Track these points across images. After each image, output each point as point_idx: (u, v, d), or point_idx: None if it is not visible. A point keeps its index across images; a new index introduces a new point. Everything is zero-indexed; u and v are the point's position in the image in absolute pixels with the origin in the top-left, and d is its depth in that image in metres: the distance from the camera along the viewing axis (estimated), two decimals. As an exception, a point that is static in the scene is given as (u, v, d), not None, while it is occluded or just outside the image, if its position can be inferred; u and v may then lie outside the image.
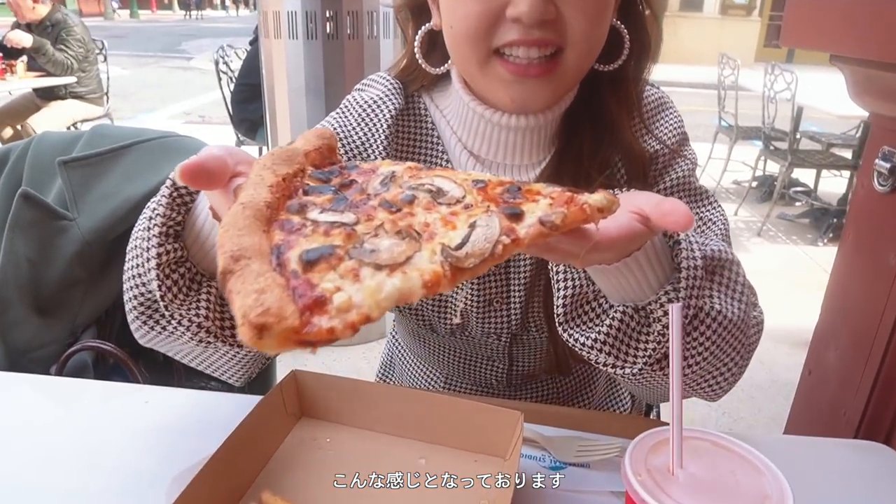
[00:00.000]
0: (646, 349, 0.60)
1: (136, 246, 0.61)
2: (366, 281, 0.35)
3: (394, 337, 1.09)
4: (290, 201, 0.42)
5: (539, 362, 0.90)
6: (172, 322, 0.60)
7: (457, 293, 0.83)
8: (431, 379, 0.98)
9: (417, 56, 0.77)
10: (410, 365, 1.01)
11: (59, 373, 0.97)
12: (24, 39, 3.98)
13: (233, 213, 0.39)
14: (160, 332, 0.63)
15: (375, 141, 0.78)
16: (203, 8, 45.21)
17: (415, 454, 0.69)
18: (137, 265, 0.60)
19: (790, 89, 4.01)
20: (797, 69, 3.95)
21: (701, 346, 0.62)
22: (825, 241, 4.11)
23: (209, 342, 0.61)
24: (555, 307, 0.64)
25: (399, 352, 1.05)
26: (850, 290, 1.06)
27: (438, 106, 0.82)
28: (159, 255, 0.57)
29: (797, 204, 4.74)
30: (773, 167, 4.75)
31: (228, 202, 0.44)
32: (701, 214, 0.79)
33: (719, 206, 0.81)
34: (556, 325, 0.65)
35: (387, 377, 1.09)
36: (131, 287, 0.62)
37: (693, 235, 0.63)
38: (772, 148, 4.50)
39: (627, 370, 0.61)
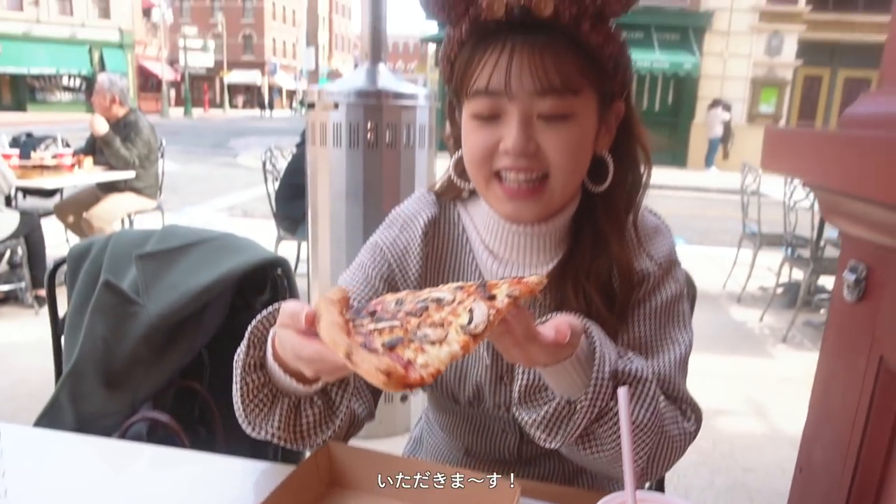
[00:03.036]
0: (567, 430, 0.77)
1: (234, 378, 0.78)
2: (430, 351, 0.55)
3: (426, 415, 1.21)
4: (352, 321, 0.61)
5: None
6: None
7: (474, 368, 0.96)
8: (454, 450, 1.08)
9: (452, 174, 0.96)
10: (436, 437, 1.12)
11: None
12: (101, 127, 4.38)
13: (330, 327, 0.58)
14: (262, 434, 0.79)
15: (413, 245, 0.96)
16: (273, 108, 48.52)
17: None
18: (234, 391, 0.77)
19: (809, 198, 4.13)
20: (815, 180, 4.08)
21: (609, 440, 0.77)
22: (852, 348, 4.07)
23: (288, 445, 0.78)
24: (514, 392, 0.80)
25: (428, 427, 1.17)
26: (830, 391, 1.15)
27: (469, 213, 0.99)
28: (244, 385, 0.74)
29: (822, 311, 4.75)
30: (799, 273, 4.80)
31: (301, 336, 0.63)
32: (672, 336, 0.93)
33: (690, 332, 0.95)
34: (512, 404, 0.81)
35: (414, 452, 1.19)
36: (235, 402, 0.78)
37: (615, 353, 0.79)
38: (795, 255, 4.59)
39: (550, 444, 0.78)
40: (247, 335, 0.76)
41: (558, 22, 0.78)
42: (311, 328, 0.61)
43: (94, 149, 4.66)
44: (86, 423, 1.13)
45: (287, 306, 0.65)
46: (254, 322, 0.77)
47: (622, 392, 0.62)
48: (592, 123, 0.85)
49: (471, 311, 0.60)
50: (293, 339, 0.63)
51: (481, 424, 1.03)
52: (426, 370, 0.53)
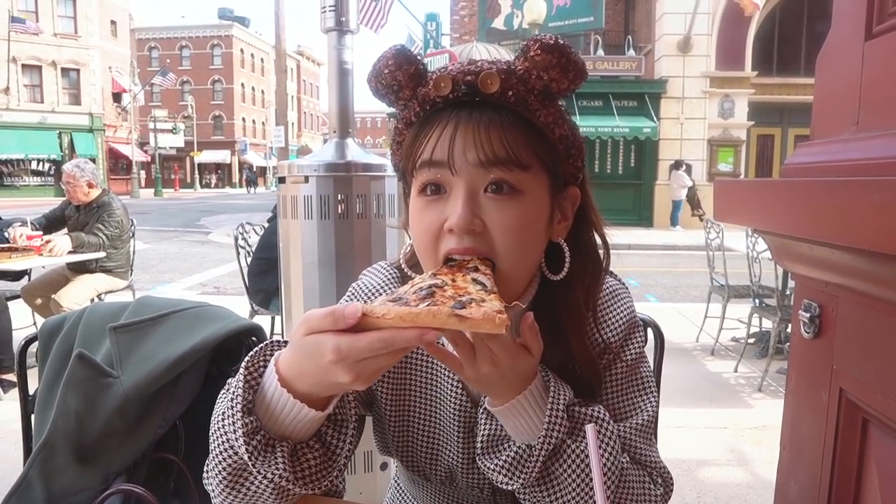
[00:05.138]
0: (527, 470, 0.78)
1: (222, 425, 0.73)
2: (487, 305, 0.60)
3: (396, 482, 1.20)
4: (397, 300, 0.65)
5: None
6: (258, 479, 0.72)
7: (447, 450, 0.95)
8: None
9: (403, 266, 0.93)
10: (408, 506, 1.11)
11: (94, 515, 1.07)
12: (65, 248, 4.38)
13: (400, 308, 0.61)
14: (244, 495, 0.74)
15: None
16: (257, 186, 48.97)
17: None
18: (225, 440, 0.72)
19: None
20: (774, 232, 4.24)
21: (568, 482, 0.78)
22: (826, 395, 4.13)
23: (287, 489, 0.73)
24: (477, 442, 0.81)
25: (401, 495, 1.16)
26: (798, 428, 1.19)
27: None
28: (244, 426, 0.70)
29: (795, 359, 4.80)
30: (768, 323, 4.89)
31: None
32: (635, 402, 0.92)
33: (655, 399, 0.94)
34: (476, 454, 0.82)
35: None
36: (222, 459, 0.73)
37: (571, 393, 0.81)
38: (763, 305, 4.70)
39: (512, 486, 0.79)
40: (242, 374, 0.72)
41: (505, 99, 0.78)
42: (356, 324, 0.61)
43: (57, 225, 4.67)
44: (56, 500, 1.11)
45: (317, 312, 0.63)
46: (248, 359, 0.74)
47: (590, 430, 0.64)
48: (544, 205, 0.82)
49: (473, 280, 0.67)
50: (339, 339, 0.61)
51: (455, 500, 1.02)
52: (503, 315, 0.59)
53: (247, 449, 0.69)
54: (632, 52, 16.73)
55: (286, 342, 0.74)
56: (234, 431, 0.70)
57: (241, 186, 53.26)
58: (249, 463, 0.70)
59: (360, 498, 2.53)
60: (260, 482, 0.72)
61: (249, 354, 0.74)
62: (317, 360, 0.63)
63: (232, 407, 0.71)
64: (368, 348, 0.60)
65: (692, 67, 16.07)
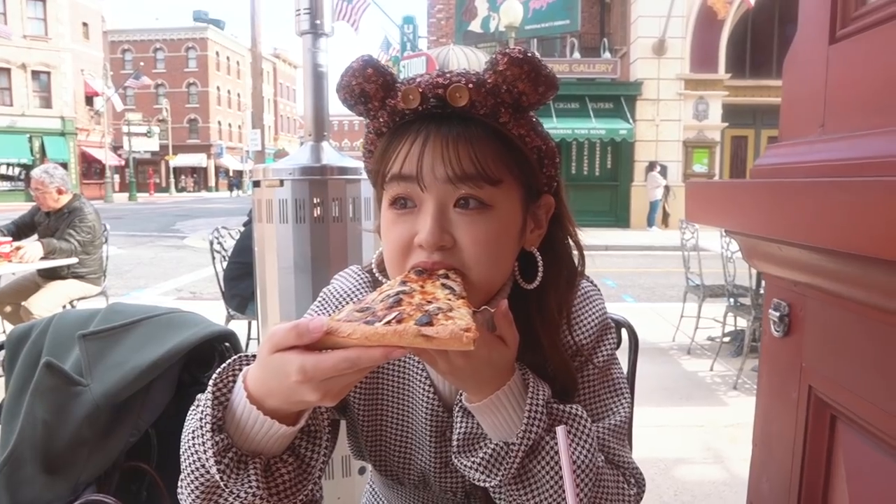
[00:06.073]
0: (505, 467, 0.77)
1: (192, 443, 0.71)
2: (456, 315, 0.60)
3: (371, 486, 1.19)
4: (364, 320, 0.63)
5: None
6: (231, 497, 0.70)
7: (420, 454, 0.95)
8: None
9: (375, 271, 0.93)
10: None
11: (62, 527, 1.05)
12: (36, 255, 4.29)
13: (364, 326, 0.59)
14: None
15: None
16: (241, 188, 48.55)
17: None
18: (196, 459, 0.71)
19: (744, 250, 4.33)
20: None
21: (545, 480, 0.77)
22: (799, 392, 4.19)
23: None
24: (453, 441, 0.80)
25: (375, 499, 1.15)
26: (769, 425, 1.21)
27: None
28: (214, 444, 0.68)
29: (769, 357, 4.88)
30: (743, 321, 4.96)
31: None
32: (607, 403, 0.92)
33: (627, 402, 0.94)
34: (451, 453, 0.81)
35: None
36: (195, 479, 0.71)
37: (549, 391, 0.80)
38: (738, 304, 4.76)
39: (489, 483, 0.78)
40: (210, 391, 0.71)
41: (475, 112, 0.77)
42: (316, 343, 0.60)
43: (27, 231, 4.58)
44: (24, 513, 1.08)
45: (281, 327, 0.62)
46: (216, 376, 0.72)
47: (560, 431, 0.64)
48: (515, 217, 0.82)
49: (443, 285, 0.67)
50: (304, 358, 0.60)
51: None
52: (470, 334, 0.58)
53: (218, 468, 0.68)
54: (607, 55, 16.89)
55: (255, 356, 0.73)
56: (205, 451, 0.68)
57: (217, 190, 52.79)
58: (221, 482, 0.69)
59: (339, 503, 2.52)
60: (234, 500, 0.71)
61: (217, 371, 0.72)
62: (282, 379, 0.63)
63: (202, 426, 0.69)
64: (334, 368, 0.60)
65: (667, 70, 16.27)
